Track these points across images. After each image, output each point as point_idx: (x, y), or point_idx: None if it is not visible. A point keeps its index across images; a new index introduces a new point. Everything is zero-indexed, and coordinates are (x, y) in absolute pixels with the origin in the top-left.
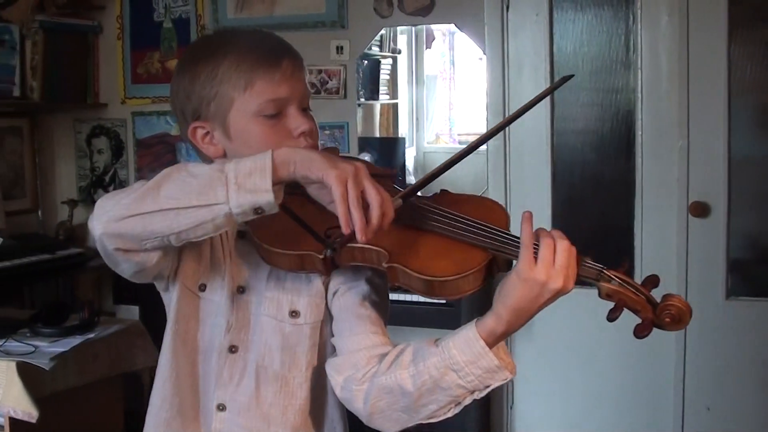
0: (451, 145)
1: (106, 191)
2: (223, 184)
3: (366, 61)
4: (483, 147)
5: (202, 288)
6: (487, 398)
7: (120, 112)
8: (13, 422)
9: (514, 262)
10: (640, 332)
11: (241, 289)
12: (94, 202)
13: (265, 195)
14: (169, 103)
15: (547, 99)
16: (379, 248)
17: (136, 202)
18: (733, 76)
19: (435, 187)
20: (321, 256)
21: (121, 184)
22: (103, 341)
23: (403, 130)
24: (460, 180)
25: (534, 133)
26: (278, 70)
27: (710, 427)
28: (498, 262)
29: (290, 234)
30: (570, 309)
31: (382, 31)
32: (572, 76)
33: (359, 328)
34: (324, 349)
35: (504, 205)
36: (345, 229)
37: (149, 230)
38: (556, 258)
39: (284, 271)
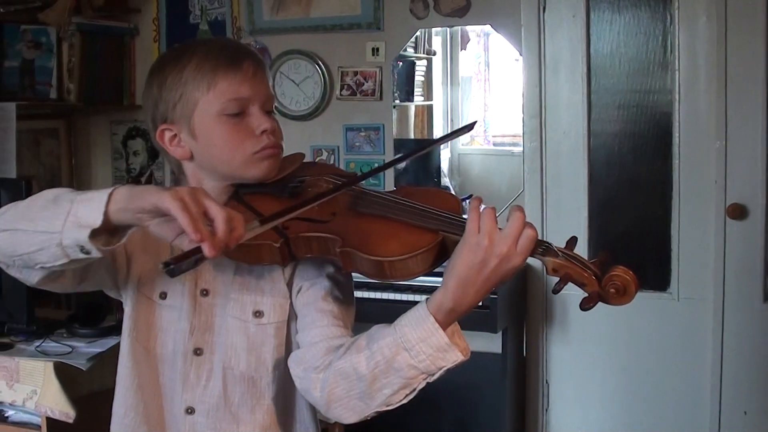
0: (486, 146)
1: None
2: (65, 213)
3: (401, 63)
4: (519, 148)
5: (163, 296)
6: (522, 401)
7: None
8: (51, 422)
9: None
10: (586, 304)
11: (204, 292)
12: None
13: (84, 231)
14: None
15: (584, 100)
16: (333, 235)
17: (5, 218)
18: None
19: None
20: (277, 245)
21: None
22: None
23: (438, 132)
24: (495, 182)
25: (570, 135)
26: (240, 71)
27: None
28: (448, 245)
29: None
30: (606, 312)
31: (417, 33)
32: (475, 122)
33: (320, 321)
34: (290, 349)
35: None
36: (193, 236)
37: (3, 249)
38: (507, 226)
39: (246, 265)
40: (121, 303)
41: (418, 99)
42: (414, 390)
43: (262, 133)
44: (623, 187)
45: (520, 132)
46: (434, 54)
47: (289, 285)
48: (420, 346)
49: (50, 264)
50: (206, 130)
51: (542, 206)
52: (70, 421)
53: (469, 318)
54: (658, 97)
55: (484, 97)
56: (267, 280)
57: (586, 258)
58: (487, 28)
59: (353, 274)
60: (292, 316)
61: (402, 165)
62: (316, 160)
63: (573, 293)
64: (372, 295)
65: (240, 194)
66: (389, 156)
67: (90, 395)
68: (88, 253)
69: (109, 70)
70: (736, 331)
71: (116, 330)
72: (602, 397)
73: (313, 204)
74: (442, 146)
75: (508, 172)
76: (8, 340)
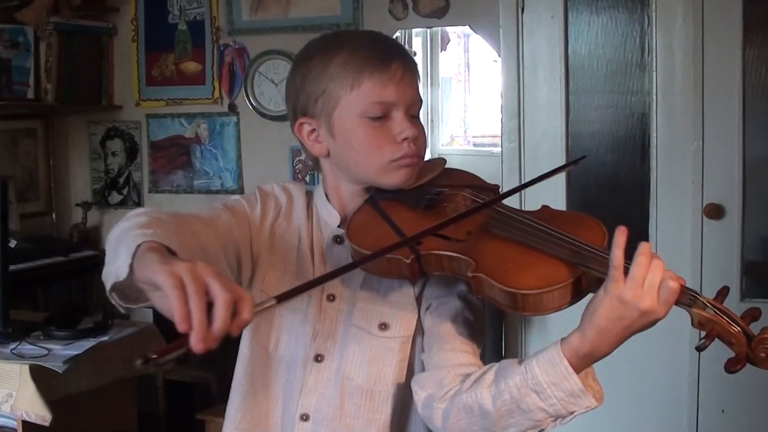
0: (466, 147)
1: (120, 193)
2: (133, 246)
3: None
4: (498, 149)
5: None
6: None
7: (134, 115)
8: (26, 425)
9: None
10: (732, 366)
11: (331, 297)
12: (108, 204)
13: (112, 280)
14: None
15: (562, 101)
16: (466, 257)
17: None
18: (747, 78)
19: None
20: (407, 261)
21: (135, 187)
22: (117, 344)
23: None
24: None
25: (549, 136)
26: (387, 72)
27: (725, 430)
28: (588, 280)
29: (384, 239)
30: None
31: (397, 33)
32: (584, 156)
33: (448, 345)
34: (413, 366)
35: (519, 207)
36: (181, 326)
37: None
38: (647, 278)
39: (375, 277)
40: (98, 305)
41: None
42: (542, 430)
43: (403, 141)
44: (601, 187)
45: (499, 132)
46: (414, 54)
47: (418, 300)
48: (551, 390)
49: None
50: (346, 130)
51: (521, 207)
52: (46, 424)
53: None
54: (635, 98)
55: (464, 98)
56: (396, 291)
57: (736, 313)
58: (467, 29)
59: None
60: (418, 331)
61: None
62: (296, 173)
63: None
64: None
65: (375, 199)
66: None
67: (66, 398)
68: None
69: (87, 70)
70: None
71: (93, 332)
72: None
73: (432, 230)
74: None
75: (488, 172)
76: None
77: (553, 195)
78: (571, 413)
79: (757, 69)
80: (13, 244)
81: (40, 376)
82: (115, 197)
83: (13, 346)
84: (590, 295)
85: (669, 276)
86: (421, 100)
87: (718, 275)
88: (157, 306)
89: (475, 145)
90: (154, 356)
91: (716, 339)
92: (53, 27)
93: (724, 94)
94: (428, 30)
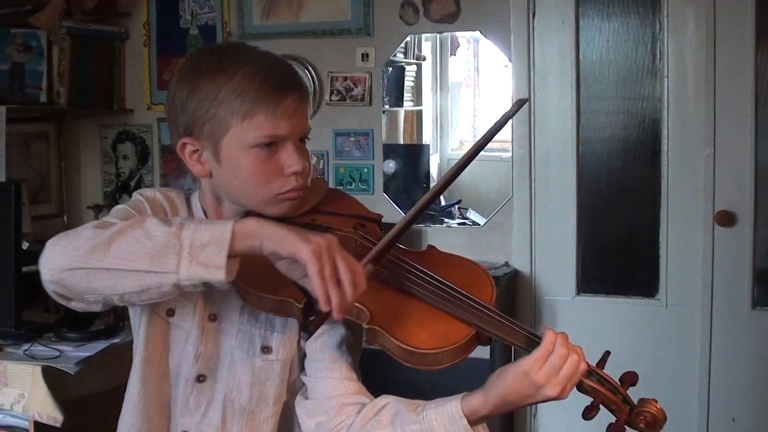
0: None
1: (131, 196)
2: (176, 252)
3: (390, 68)
4: (508, 154)
5: (171, 313)
6: None
7: (146, 118)
8: (38, 426)
9: (494, 339)
10: (611, 430)
11: (212, 317)
12: None
13: (216, 272)
14: (164, 105)
15: (573, 106)
16: (363, 306)
17: (85, 255)
18: (759, 84)
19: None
20: (300, 305)
21: None
22: (128, 346)
23: (427, 137)
24: (484, 188)
25: (559, 141)
26: (280, 106)
27: None
28: (480, 338)
29: (271, 276)
30: (594, 318)
31: (407, 38)
32: (527, 99)
33: (334, 373)
34: (294, 385)
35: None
36: (324, 307)
37: (92, 287)
38: (563, 369)
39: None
40: (110, 308)
41: (408, 104)
42: None
43: (291, 174)
44: (612, 193)
45: (510, 138)
46: (424, 59)
47: None
48: None
49: (151, 300)
50: (233, 159)
51: (531, 212)
52: (58, 425)
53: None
54: (646, 104)
55: (473, 103)
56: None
57: (616, 380)
58: (477, 33)
59: None
60: (299, 353)
61: (391, 170)
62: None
63: (562, 299)
64: None
65: None
66: (378, 161)
67: (78, 399)
68: (211, 286)
69: (99, 74)
70: (724, 338)
71: (104, 334)
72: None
73: (402, 234)
74: (431, 151)
75: (497, 177)
76: None
77: (563, 201)
78: None
79: None
80: (25, 246)
81: (52, 377)
82: (127, 200)
83: (25, 347)
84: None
85: (581, 367)
86: (310, 128)
87: (729, 283)
88: (281, 269)
89: (484, 150)
90: (312, 328)
91: (601, 405)
92: (66, 31)
93: (735, 101)
94: (438, 35)
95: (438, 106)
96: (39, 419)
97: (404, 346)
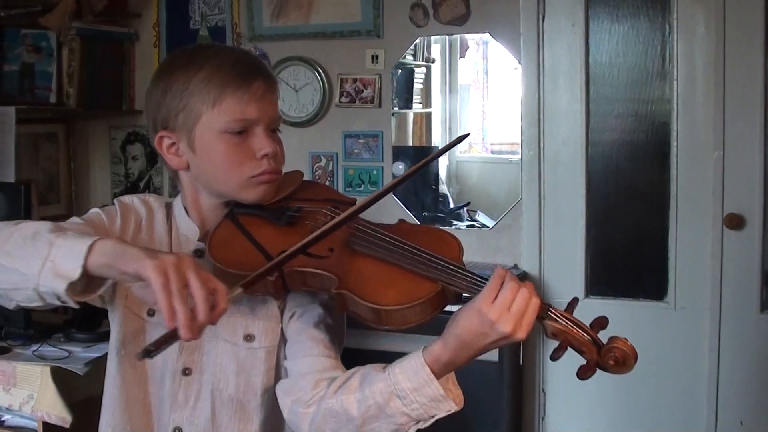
0: (484, 154)
1: None
2: (43, 257)
3: (400, 70)
4: (517, 156)
5: (151, 313)
6: (519, 409)
7: None
8: (47, 427)
9: (465, 295)
10: (583, 374)
11: None
12: None
13: (61, 283)
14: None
15: (582, 109)
16: (330, 274)
17: None
18: None
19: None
20: (272, 278)
21: (155, 191)
22: None
23: (436, 139)
24: (493, 190)
25: (569, 144)
26: (248, 90)
27: None
28: (447, 295)
29: (246, 255)
30: None
31: (417, 41)
32: (468, 134)
33: (311, 351)
34: (279, 374)
35: (538, 215)
36: (168, 324)
37: None
38: (514, 303)
39: None
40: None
41: (417, 106)
42: None
43: (263, 157)
44: (621, 196)
45: (519, 140)
46: (433, 61)
47: (282, 309)
48: (413, 396)
49: (25, 304)
50: (206, 146)
51: (540, 214)
52: (67, 425)
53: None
54: (656, 107)
55: (482, 105)
56: (259, 302)
57: (584, 322)
58: (486, 36)
59: None
60: (282, 339)
61: (400, 172)
62: (315, 178)
63: (566, 301)
64: None
65: (235, 214)
66: (387, 163)
67: (86, 400)
68: (64, 302)
69: (109, 75)
70: (733, 341)
71: None
72: (598, 407)
73: (302, 248)
74: None
75: (506, 180)
76: (5, 344)
77: (572, 204)
78: (432, 416)
79: None
80: None
81: (61, 377)
82: None
83: (34, 347)
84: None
85: (533, 301)
86: (281, 117)
87: (738, 286)
88: (135, 293)
89: (493, 152)
90: (152, 348)
91: (569, 348)
92: (76, 32)
93: (745, 103)
94: (447, 37)
95: (447, 108)
96: (48, 420)
97: (371, 305)
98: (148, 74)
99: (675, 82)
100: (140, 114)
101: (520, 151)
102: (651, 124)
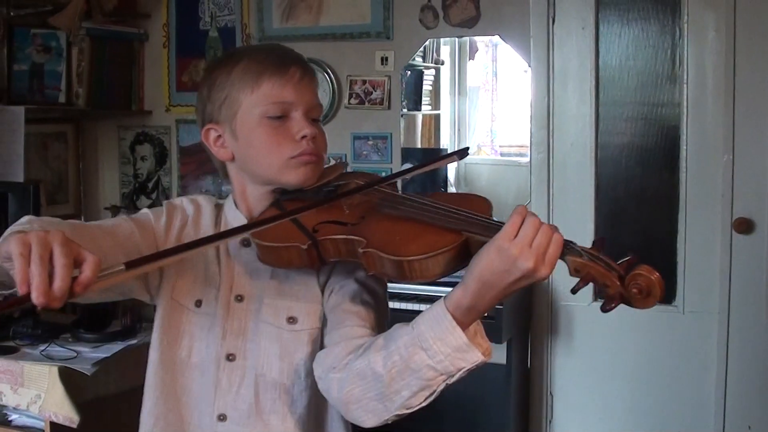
0: (493, 156)
1: (149, 198)
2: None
3: (409, 72)
4: (526, 159)
5: (198, 304)
6: (526, 412)
7: (164, 120)
8: (54, 427)
9: None
10: (607, 305)
11: (239, 298)
12: (136, 208)
13: None
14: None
15: (592, 112)
16: (359, 237)
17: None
18: None
19: None
20: (304, 247)
21: (164, 191)
22: (145, 347)
23: (445, 141)
24: (502, 192)
25: (578, 147)
26: (285, 74)
27: None
28: (472, 245)
29: (284, 231)
30: (611, 324)
31: (426, 42)
32: (467, 148)
33: (345, 322)
34: None
35: (547, 218)
36: (20, 288)
37: None
38: (536, 238)
39: (282, 273)
40: (126, 308)
41: (426, 108)
42: (434, 392)
43: (302, 139)
44: (630, 199)
45: (527, 143)
46: (442, 63)
47: (323, 290)
48: (437, 346)
49: None
50: (247, 132)
51: (549, 217)
52: (74, 426)
53: None
54: (666, 110)
55: (491, 107)
56: (302, 285)
57: (613, 259)
58: (496, 38)
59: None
60: (324, 321)
61: (408, 176)
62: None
63: (579, 304)
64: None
65: (279, 201)
66: (396, 165)
67: (94, 400)
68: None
69: (118, 75)
70: (741, 345)
71: (121, 335)
72: (606, 410)
73: (311, 206)
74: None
75: (515, 182)
76: (13, 344)
77: (581, 207)
78: (460, 369)
79: None
80: None
81: (69, 378)
82: (144, 201)
83: (42, 347)
84: None
85: (555, 237)
86: (321, 106)
87: (747, 290)
88: (10, 272)
89: (501, 154)
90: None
91: (592, 283)
92: (85, 32)
93: (755, 107)
94: (457, 39)
95: (456, 110)
96: (55, 420)
97: (395, 258)
98: (157, 74)
99: (685, 85)
100: (149, 114)
101: (529, 153)
102: (660, 128)
